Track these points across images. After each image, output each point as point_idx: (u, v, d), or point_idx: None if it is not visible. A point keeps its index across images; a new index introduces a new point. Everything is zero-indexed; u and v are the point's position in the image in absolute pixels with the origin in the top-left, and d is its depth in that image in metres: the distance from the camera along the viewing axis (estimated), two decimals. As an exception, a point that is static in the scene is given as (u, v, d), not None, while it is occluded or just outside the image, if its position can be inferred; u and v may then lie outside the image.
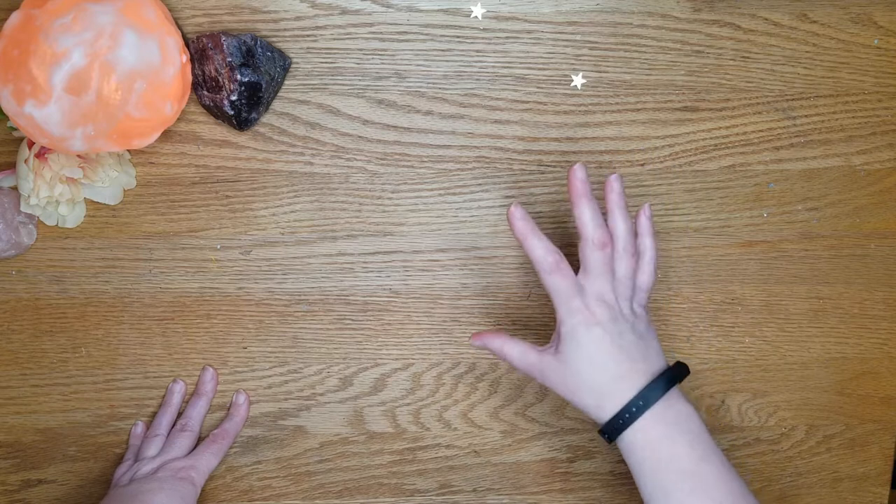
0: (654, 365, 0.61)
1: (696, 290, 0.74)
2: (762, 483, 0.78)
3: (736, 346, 0.75)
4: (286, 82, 0.68)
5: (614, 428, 0.60)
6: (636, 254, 0.63)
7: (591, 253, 0.60)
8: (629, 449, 0.60)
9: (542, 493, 0.76)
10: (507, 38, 0.68)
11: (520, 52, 0.69)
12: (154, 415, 0.73)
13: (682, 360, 0.67)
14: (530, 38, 0.69)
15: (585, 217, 0.60)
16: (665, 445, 0.58)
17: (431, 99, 0.69)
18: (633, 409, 0.59)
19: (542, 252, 0.60)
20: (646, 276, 0.63)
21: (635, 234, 0.63)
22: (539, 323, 0.73)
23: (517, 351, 0.64)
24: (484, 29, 0.68)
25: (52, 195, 0.66)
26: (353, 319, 0.72)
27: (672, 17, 0.69)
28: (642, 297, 0.63)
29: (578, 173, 0.60)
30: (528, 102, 0.70)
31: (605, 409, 0.60)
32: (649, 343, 0.62)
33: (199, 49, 0.64)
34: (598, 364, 0.60)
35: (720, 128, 0.71)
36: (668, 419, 0.59)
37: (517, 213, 0.60)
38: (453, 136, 0.70)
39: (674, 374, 0.61)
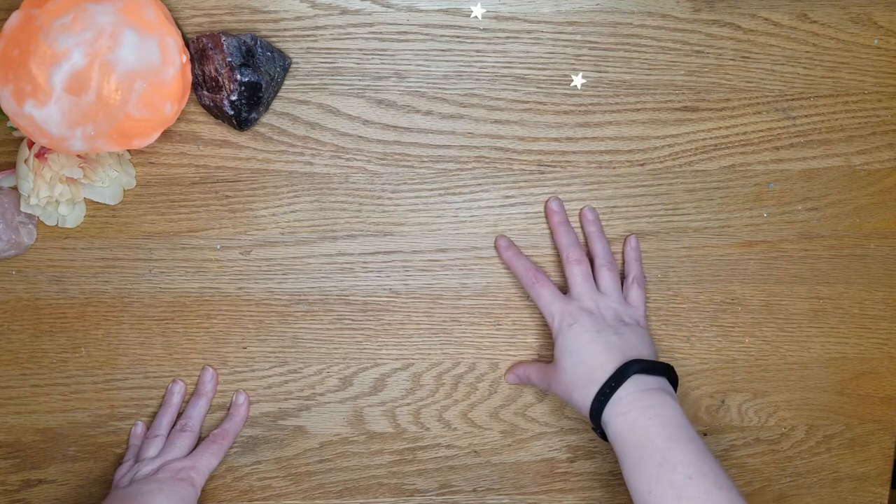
0: (629, 355, 0.64)
1: (696, 290, 0.74)
2: (762, 483, 0.78)
3: (736, 346, 0.75)
4: (286, 82, 0.68)
5: (596, 413, 0.63)
6: (616, 269, 0.70)
7: (570, 269, 0.69)
8: (612, 437, 0.63)
9: (542, 493, 0.76)
10: (507, 38, 0.68)
11: (520, 52, 0.69)
12: (154, 415, 0.73)
13: (674, 363, 0.70)
14: (530, 38, 0.69)
15: (562, 240, 0.70)
16: (639, 427, 0.61)
17: (431, 99, 0.69)
18: (607, 391, 0.63)
19: (525, 270, 0.70)
20: (633, 293, 0.70)
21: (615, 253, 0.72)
22: (539, 323, 0.73)
23: (534, 371, 0.71)
24: (484, 29, 0.68)
25: (52, 195, 0.66)
26: (353, 319, 0.73)
27: (672, 17, 0.69)
28: (634, 312, 0.69)
29: (554, 206, 0.71)
30: (528, 102, 0.70)
31: (588, 401, 0.64)
32: (633, 344, 0.65)
33: (199, 49, 0.64)
34: (578, 359, 0.65)
35: (720, 128, 0.71)
36: (642, 404, 0.62)
37: (503, 242, 0.71)
38: (453, 136, 0.70)
39: (651, 365, 0.64)
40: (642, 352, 0.65)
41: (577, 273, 0.68)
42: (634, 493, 0.60)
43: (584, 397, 0.64)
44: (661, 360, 0.66)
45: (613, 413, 0.62)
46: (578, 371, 0.65)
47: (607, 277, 0.69)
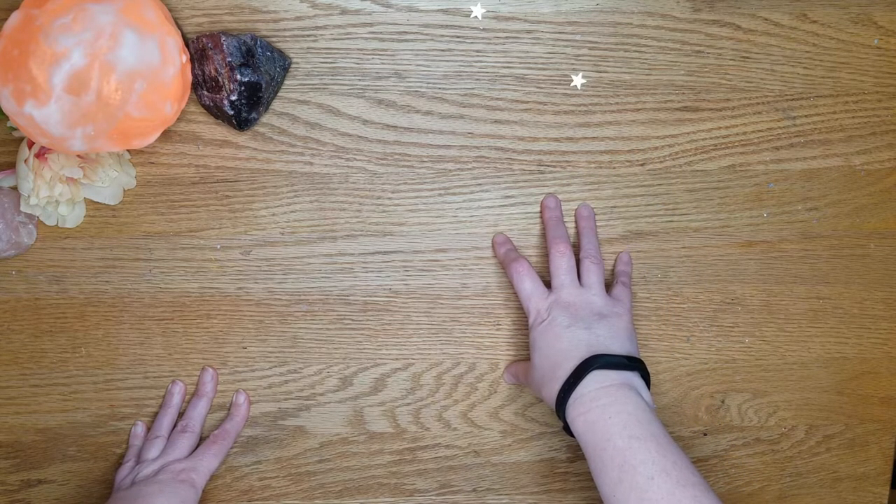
0: (594, 350, 0.62)
1: (696, 290, 0.74)
2: (762, 483, 0.78)
3: (736, 346, 0.75)
4: (286, 82, 0.68)
5: (559, 411, 0.62)
6: (602, 264, 0.69)
7: (554, 261, 0.68)
8: (577, 438, 0.61)
9: (542, 493, 0.76)
10: (507, 38, 0.68)
11: (520, 52, 0.69)
12: (154, 415, 0.73)
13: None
14: (530, 38, 0.69)
15: (552, 233, 0.69)
16: (600, 427, 0.59)
17: (431, 99, 0.69)
18: (567, 388, 0.61)
19: (510, 262, 0.68)
20: (617, 288, 0.69)
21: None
22: (539, 323, 0.73)
23: (521, 369, 0.71)
24: (484, 29, 0.68)
25: (52, 195, 0.66)
26: (352, 319, 0.73)
27: (672, 17, 0.69)
28: (616, 305, 0.67)
29: (550, 202, 0.71)
30: (528, 102, 0.70)
31: (553, 399, 0.63)
32: (603, 339, 0.63)
33: (199, 49, 0.64)
34: (545, 354, 0.64)
35: (720, 128, 0.71)
36: (602, 402, 0.60)
37: (499, 239, 0.71)
38: (453, 136, 0.70)
39: (616, 360, 0.62)
40: (611, 346, 0.63)
41: (561, 265, 0.67)
42: (601, 496, 0.59)
43: (550, 395, 0.63)
44: (635, 355, 0.64)
45: (575, 413, 0.61)
46: (545, 367, 0.64)
47: (591, 271, 0.67)
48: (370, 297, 0.72)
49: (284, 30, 0.67)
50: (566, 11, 0.68)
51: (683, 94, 0.70)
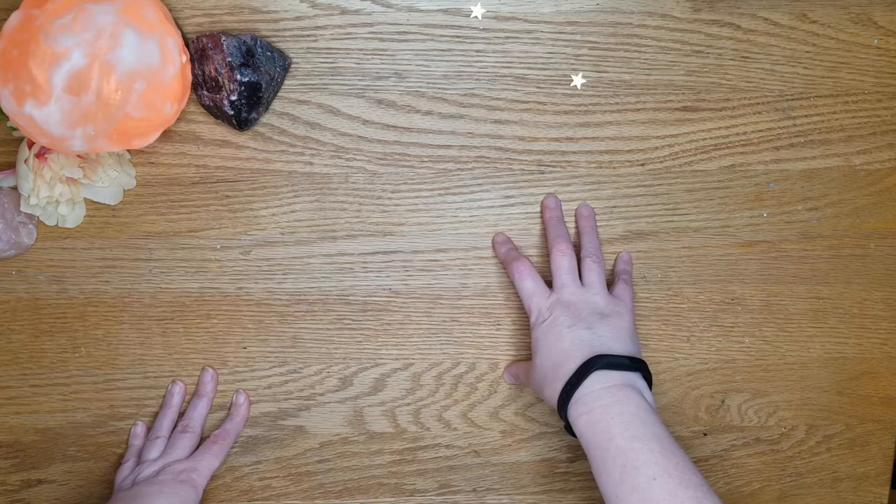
0: (597, 350, 0.62)
1: (696, 290, 0.74)
2: (762, 483, 0.78)
3: (736, 346, 0.75)
4: (286, 82, 0.68)
5: (561, 411, 0.62)
6: (602, 262, 0.69)
7: (555, 261, 0.67)
8: (578, 437, 0.61)
9: (542, 493, 0.76)
10: (507, 38, 0.68)
11: (520, 52, 0.69)
12: (154, 415, 0.73)
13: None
14: (530, 38, 0.69)
15: (552, 233, 0.69)
16: (602, 427, 0.59)
17: (431, 99, 0.69)
18: (569, 388, 0.61)
19: (511, 262, 0.68)
20: (619, 286, 0.69)
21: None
22: (539, 323, 0.73)
23: (521, 368, 0.71)
24: (484, 29, 0.68)
25: (52, 195, 0.66)
26: (352, 319, 0.73)
27: (672, 17, 0.69)
28: (617, 304, 0.66)
29: (550, 202, 0.71)
30: (528, 102, 0.70)
31: (555, 398, 0.63)
32: (605, 339, 0.63)
33: (199, 49, 0.64)
34: (547, 354, 0.64)
35: (720, 128, 0.71)
36: (605, 402, 0.60)
37: (499, 238, 0.71)
38: (453, 136, 0.70)
39: (618, 360, 0.62)
40: (613, 347, 0.63)
41: (562, 265, 0.67)
42: (603, 496, 0.59)
43: (552, 394, 0.63)
44: (637, 355, 0.64)
45: (577, 412, 0.61)
46: (547, 367, 0.64)
47: (592, 270, 0.67)
48: (370, 297, 0.72)
49: (284, 30, 0.67)
50: (566, 11, 0.68)
51: (683, 94, 0.70)
